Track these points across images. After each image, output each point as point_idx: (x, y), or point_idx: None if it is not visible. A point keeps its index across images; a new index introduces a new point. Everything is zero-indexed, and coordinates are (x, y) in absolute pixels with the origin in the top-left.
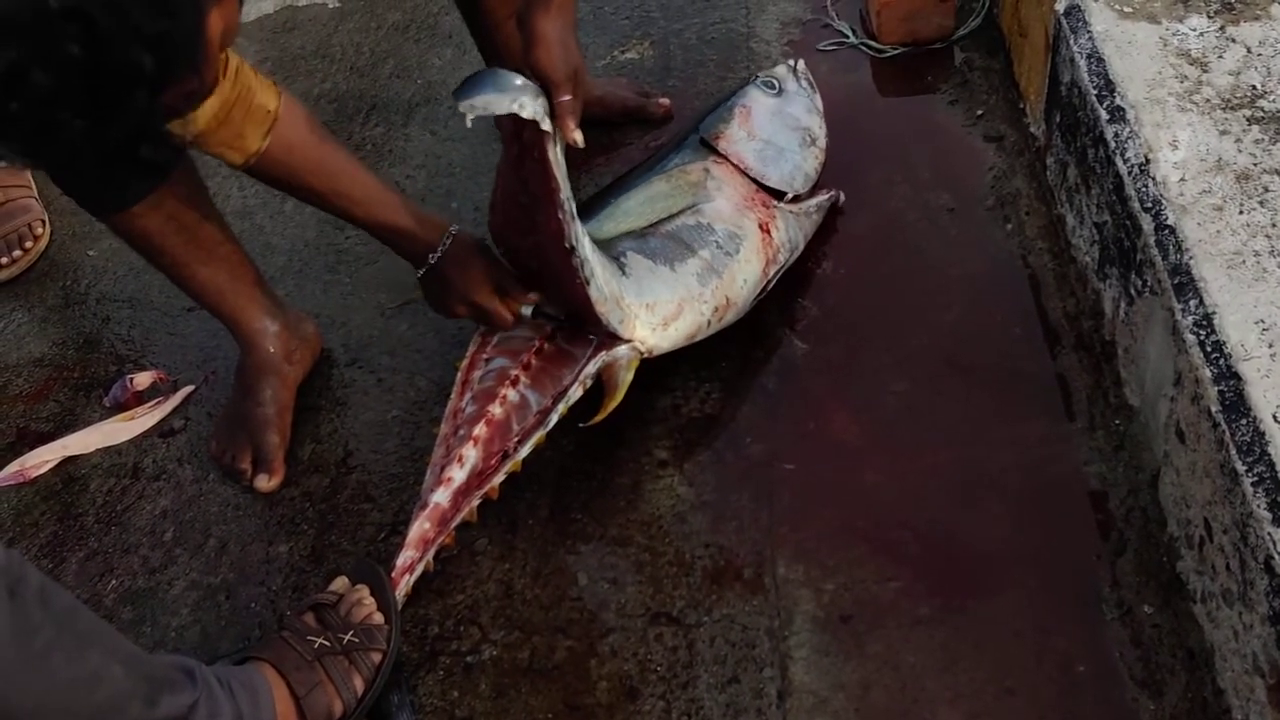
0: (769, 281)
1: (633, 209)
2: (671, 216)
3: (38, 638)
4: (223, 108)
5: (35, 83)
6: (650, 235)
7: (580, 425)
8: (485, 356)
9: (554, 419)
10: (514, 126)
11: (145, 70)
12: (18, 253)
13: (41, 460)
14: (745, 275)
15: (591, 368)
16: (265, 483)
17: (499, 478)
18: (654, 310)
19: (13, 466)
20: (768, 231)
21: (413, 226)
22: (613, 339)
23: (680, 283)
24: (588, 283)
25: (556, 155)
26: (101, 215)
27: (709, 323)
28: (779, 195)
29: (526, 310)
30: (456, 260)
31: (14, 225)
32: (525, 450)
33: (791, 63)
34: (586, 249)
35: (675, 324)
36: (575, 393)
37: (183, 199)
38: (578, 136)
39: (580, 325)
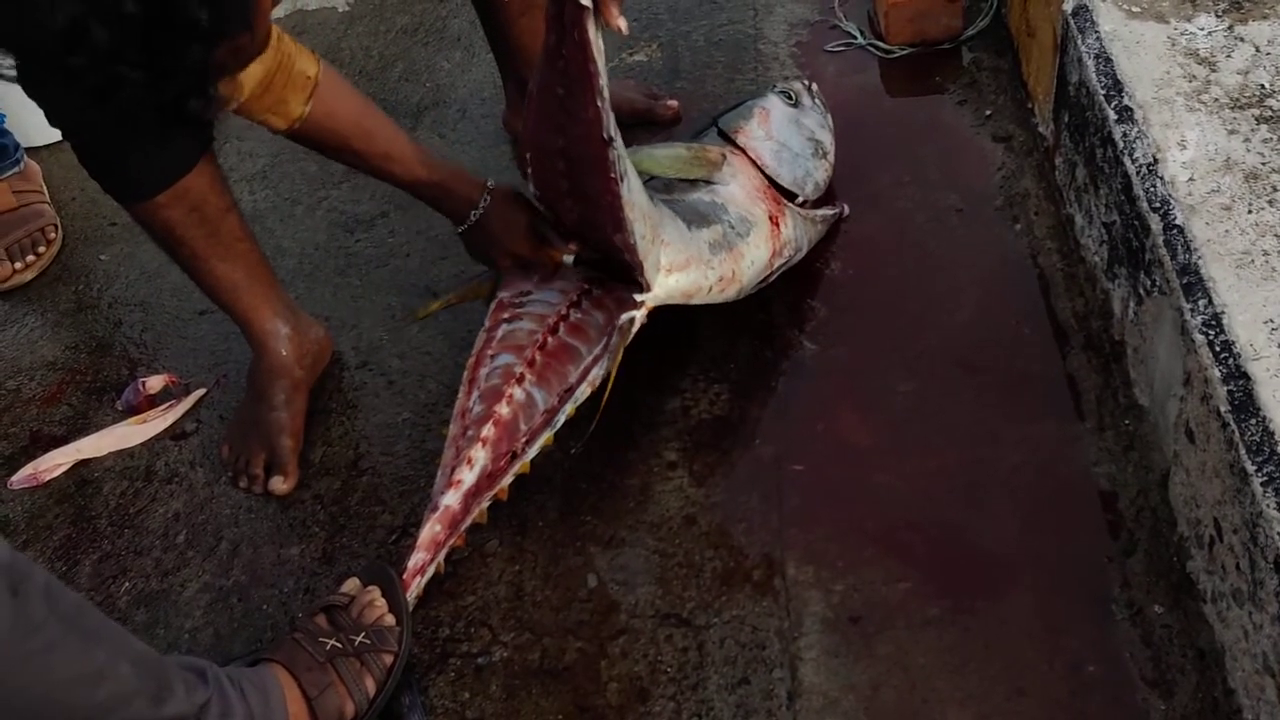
0: (772, 273)
1: (657, 155)
2: (686, 191)
3: (39, 635)
4: (266, 75)
5: (95, 37)
6: (667, 203)
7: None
8: (491, 353)
9: (561, 419)
10: (554, 7)
11: (201, 25)
12: (31, 257)
13: (54, 463)
14: (753, 258)
15: (598, 369)
16: (280, 485)
17: (508, 479)
18: (665, 250)
19: (26, 470)
20: (777, 224)
21: (453, 183)
22: (621, 301)
23: (693, 242)
24: (621, 180)
25: (597, 40)
26: (127, 203)
27: (710, 288)
28: (790, 197)
29: (568, 259)
30: (497, 214)
31: (27, 230)
32: (533, 451)
33: (807, 82)
34: (622, 148)
35: (678, 275)
36: (584, 392)
37: (206, 192)
38: (622, 24)
39: (597, 258)
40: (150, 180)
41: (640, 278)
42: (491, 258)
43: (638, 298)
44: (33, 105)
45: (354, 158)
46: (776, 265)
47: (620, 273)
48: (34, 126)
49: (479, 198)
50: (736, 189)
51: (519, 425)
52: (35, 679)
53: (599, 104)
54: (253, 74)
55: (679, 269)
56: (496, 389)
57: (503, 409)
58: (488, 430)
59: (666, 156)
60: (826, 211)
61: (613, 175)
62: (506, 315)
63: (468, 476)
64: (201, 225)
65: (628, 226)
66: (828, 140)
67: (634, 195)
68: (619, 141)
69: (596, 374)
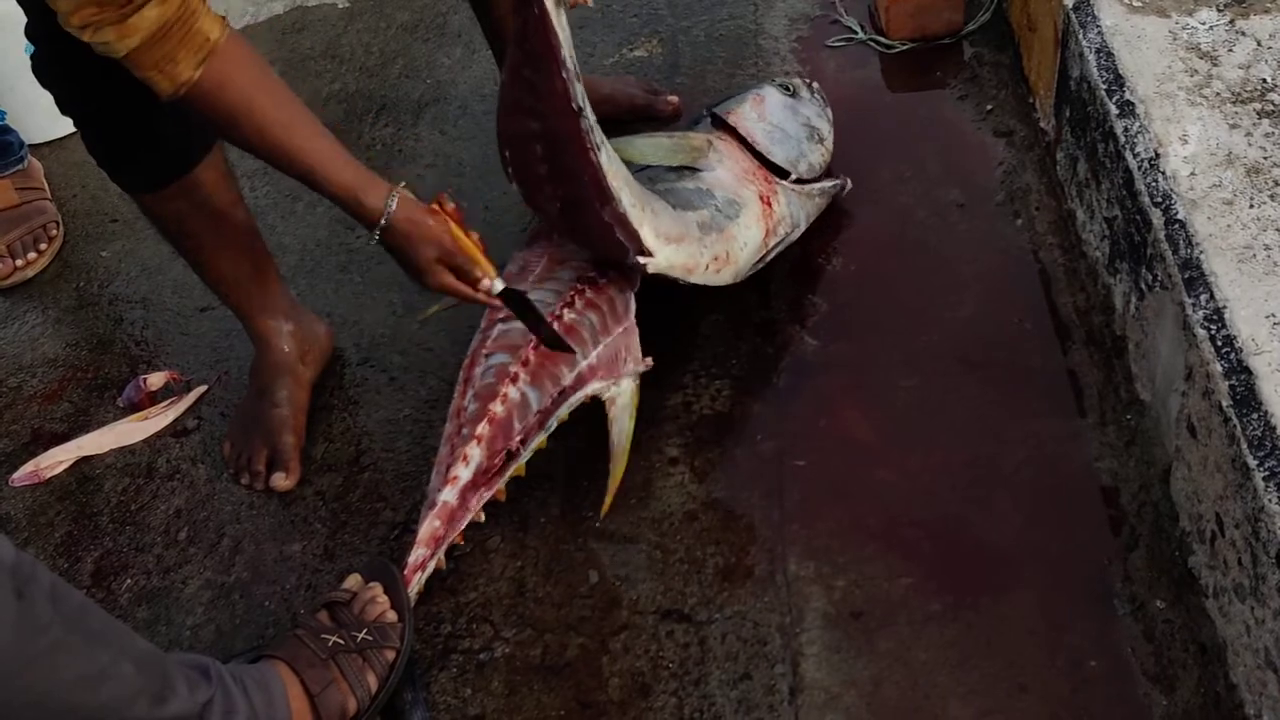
0: (768, 251)
1: (638, 144)
2: (672, 181)
3: (44, 636)
4: (163, 23)
5: None
6: (651, 190)
7: (596, 525)
8: (486, 352)
9: (554, 423)
10: None
11: None
12: (32, 254)
13: (56, 460)
14: (745, 238)
15: (591, 388)
16: (282, 481)
17: (504, 480)
18: (658, 217)
19: (28, 467)
20: (768, 203)
21: (352, 194)
22: (621, 287)
23: (683, 221)
24: (598, 149)
25: (559, 14)
26: (136, 193)
27: (706, 266)
28: (783, 175)
29: (496, 285)
30: (403, 236)
31: (29, 227)
32: (527, 454)
33: (808, 80)
34: (594, 119)
35: (674, 245)
36: (577, 399)
37: (214, 185)
38: None
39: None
40: (160, 171)
41: (641, 245)
42: (412, 278)
43: (641, 260)
44: (35, 102)
45: (245, 142)
46: (772, 244)
47: (613, 267)
48: (36, 124)
49: (380, 212)
50: (723, 173)
51: (513, 424)
52: (39, 680)
53: (564, 75)
54: (149, 18)
55: (675, 240)
56: (491, 388)
57: (497, 407)
58: (482, 428)
59: (648, 145)
60: (826, 184)
61: (588, 145)
62: (502, 315)
63: (463, 473)
64: (209, 218)
65: (614, 194)
66: (824, 127)
67: (614, 165)
68: (589, 111)
69: (597, 386)
